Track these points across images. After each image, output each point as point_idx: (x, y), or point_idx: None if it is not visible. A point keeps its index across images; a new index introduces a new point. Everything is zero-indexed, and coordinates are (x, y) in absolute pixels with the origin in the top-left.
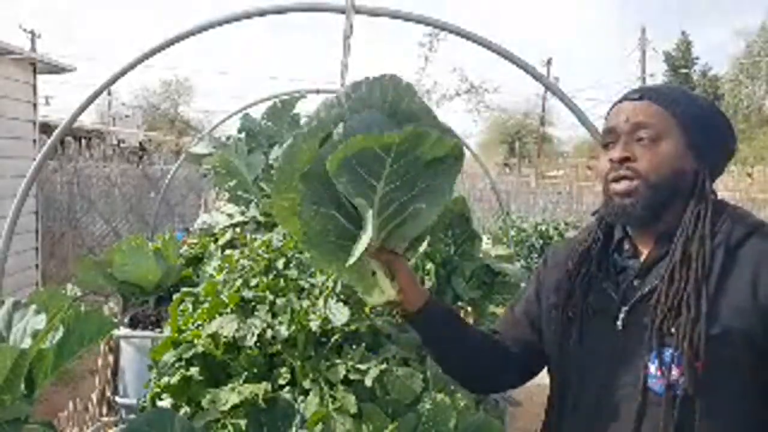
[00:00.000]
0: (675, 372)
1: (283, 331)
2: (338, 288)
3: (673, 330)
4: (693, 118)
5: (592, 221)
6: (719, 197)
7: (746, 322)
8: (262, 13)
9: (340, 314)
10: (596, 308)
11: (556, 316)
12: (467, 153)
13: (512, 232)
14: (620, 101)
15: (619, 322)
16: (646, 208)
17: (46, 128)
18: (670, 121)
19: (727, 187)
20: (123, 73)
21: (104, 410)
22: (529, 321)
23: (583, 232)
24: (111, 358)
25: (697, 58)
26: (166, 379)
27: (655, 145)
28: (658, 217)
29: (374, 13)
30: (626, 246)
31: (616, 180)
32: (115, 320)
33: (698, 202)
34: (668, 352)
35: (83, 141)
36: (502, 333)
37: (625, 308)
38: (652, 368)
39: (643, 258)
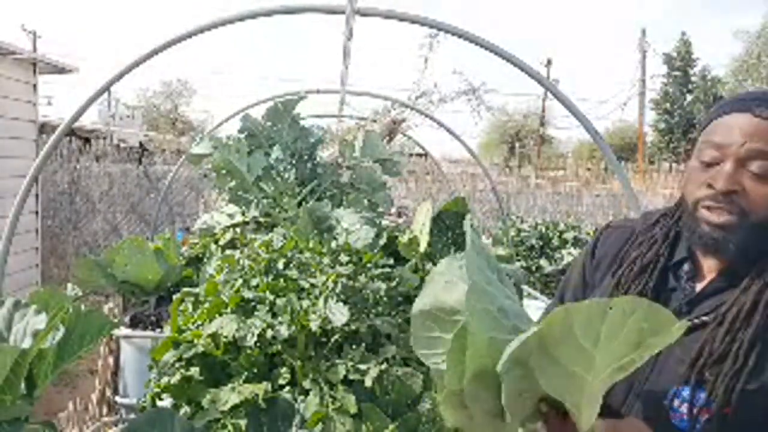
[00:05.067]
0: (704, 414)
1: (283, 331)
2: (338, 288)
3: (710, 374)
4: None
5: (654, 213)
6: None
7: None
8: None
9: (340, 314)
10: None
11: None
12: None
13: (512, 233)
14: (739, 108)
15: None
16: (741, 248)
17: (46, 128)
18: None
19: None
20: (124, 73)
21: (104, 410)
22: None
23: (643, 229)
24: (111, 358)
25: (697, 59)
26: (166, 378)
27: None
28: (749, 257)
29: (376, 14)
30: (686, 267)
31: (710, 208)
32: (116, 320)
33: None
34: (702, 395)
35: (83, 141)
36: None
37: None
38: (678, 402)
39: (702, 285)
